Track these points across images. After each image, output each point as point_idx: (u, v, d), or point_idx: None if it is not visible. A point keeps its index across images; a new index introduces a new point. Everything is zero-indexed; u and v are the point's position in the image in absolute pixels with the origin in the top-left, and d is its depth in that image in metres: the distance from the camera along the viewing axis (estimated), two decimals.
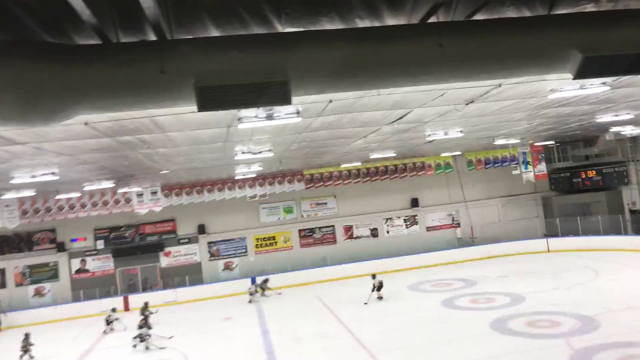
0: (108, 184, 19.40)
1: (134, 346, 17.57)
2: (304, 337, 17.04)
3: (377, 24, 4.93)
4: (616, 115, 17.13)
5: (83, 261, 27.37)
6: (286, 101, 4.33)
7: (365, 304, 20.45)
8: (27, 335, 17.53)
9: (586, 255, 25.73)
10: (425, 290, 22.13)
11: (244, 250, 28.98)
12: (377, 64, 4.56)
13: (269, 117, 8.82)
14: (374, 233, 30.45)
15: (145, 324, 17.80)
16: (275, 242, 29.33)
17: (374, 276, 21.40)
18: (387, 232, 30.63)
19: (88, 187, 19.45)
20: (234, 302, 24.32)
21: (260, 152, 14.95)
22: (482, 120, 14.65)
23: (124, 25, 4.43)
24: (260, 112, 8.58)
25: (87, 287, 26.57)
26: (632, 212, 28.70)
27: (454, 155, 29.18)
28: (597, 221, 28.13)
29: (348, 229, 30.26)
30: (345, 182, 28.99)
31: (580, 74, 4.91)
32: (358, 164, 27.23)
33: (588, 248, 26.63)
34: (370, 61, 4.54)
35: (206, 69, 4.11)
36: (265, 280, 25.19)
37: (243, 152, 14.82)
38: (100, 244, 27.43)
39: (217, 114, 8.85)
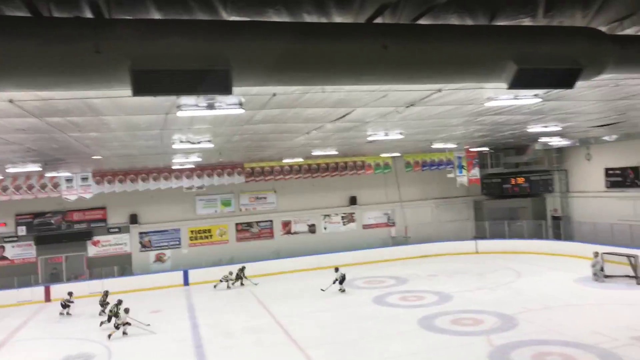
0: (34, 167, 18.27)
1: (109, 336, 16.64)
2: (235, 331, 16.88)
3: (324, 20, 4.90)
4: (545, 127, 18.11)
5: (1, 248, 25.68)
6: (227, 91, 4.22)
7: (322, 290, 21.27)
8: None
9: (510, 257, 27.15)
10: (358, 286, 22.52)
11: (177, 242, 28.27)
12: (320, 61, 4.54)
13: (210, 107, 8.60)
14: (312, 229, 30.63)
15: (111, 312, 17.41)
16: (211, 235, 28.83)
17: (336, 269, 21.88)
18: (325, 228, 30.92)
19: (11, 170, 18.24)
20: (164, 295, 23.70)
21: (199, 142, 14.59)
22: (421, 124, 15.03)
23: None
24: (201, 100, 8.35)
25: (4, 276, 24.96)
26: (553, 218, 30.59)
27: (393, 156, 29.84)
28: (522, 226, 29.77)
29: (286, 224, 30.27)
30: (286, 177, 28.95)
31: (514, 85, 5.11)
32: (300, 159, 27.27)
33: (513, 251, 28.12)
34: (314, 57, 4.51)
35: (144, 52, 3.92)
36: (242, 269, 24.71)
37: (181, 141, 14.40)
38: (22, 230, 25.83)
39: (155, 100, 8.53)
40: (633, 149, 25.45)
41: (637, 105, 13.94)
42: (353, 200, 31.23)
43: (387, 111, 11.95)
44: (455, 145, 25.13)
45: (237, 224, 29.31)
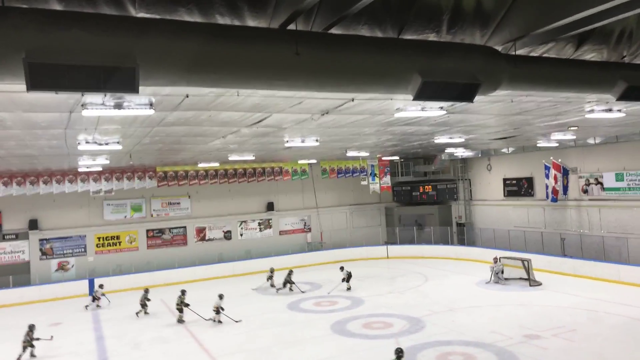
0: None
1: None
2: (143, 342, 16.15)
3: (237, 23, 4.89)
4: (451, 138, 19.22)
5: None
6: (133, 89, 4.09)
7: (329, 293, 21.49)
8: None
9: (419, 262, 28.39)
10: (273, 293, 22.46)
11: (82, 250, 26.60)
12: (232, 63, 4.54)
13: (118, 106, 8.23)
14: (227, 235, 30.13)
15: None
16: (120, 242, 27.43)
17: (342, 268, 22.41)
18: (241, 234, 30.55)
19: None
20: (66, 306, 22.16)
21: (107, 144, 13.87)
22: (336, 132, 15.37)
23: None
24: (108, 99, 7.97)
25: None
26: (458, 224, 32.46)
27: (310, 163, 30.19)
28: (430, 232, 31.28)
29: (201, 230, 29.52)
30: (202, 182, 28.28)
31: (419, 96, 5.41)
32: (216, 164, 26.77)
33: (421, 256, 29.43)
34: (226, 59, 4.50)
35: (41, 44, 3.69)
36: (290, 273, 23.02)
37: (87, 142, 13.61)
38: None
39: (56, 97, 8.01)
40: (527, 160, 27.70)
41: (530, 121, 15.22)
42: (270, 206, 31.16)
43: (303, 118, 12.10)
44: (368, 154, 25.94)
45: (148, 230, 28.12)
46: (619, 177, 23.60)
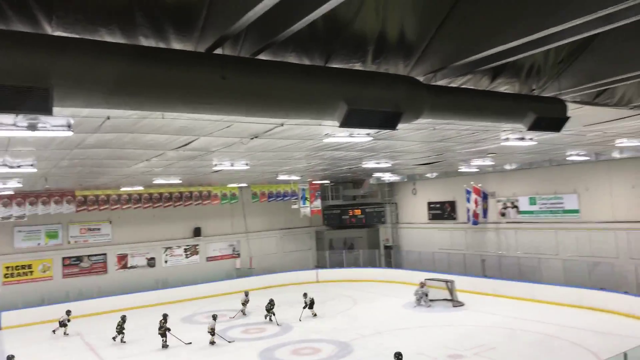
0: None
1: None
2: None
3: (162, 45, 4.78)
4: (378, 163, 19.76)
5: None
6: (46, 111, 3.85)
7: (300, 320, 20.71)
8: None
9: (348, 285, 28.61)
10: (199, 322, 21.70)
11: None
12: (157, 86, 4.41)
13: (32, 127, 7.69)
14: (151, 263, 28.88)
15: None
16: (32, 272, 25.48)
17: (305, 294, 21.55)
18: (166, 261, 29.39)
19: None
20: None
21: (19, 167, 12.95)
22: (266, 156, 15.33)
23: None
24: (21, 119, 7.45)
25: None
26: (385, 247, 33.20)
27: (240, 187, 29.82)
28: (359, 254, 31.73)
29: (122, 257, 28.10)
30: (124, 206, 27.05)
31: (344, 123, 5.51)
32: (140, 188, 25.77)
33: (350, 279, 29.70)
34: (150, 82, 4.37)
35: None
36: (271, 302, 21.57)
37: None
38: None
39: None
40: (450, 185, 28.99)
41: (452, 148, 15.99)
42: (197, 232, 30.29)
43: (232, 141, 11.97)
44: (299, 178, 26.06)
45: (64, 258, 26.35)
46: (532, 201, 25.25)
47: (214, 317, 18.46)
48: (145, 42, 4.73)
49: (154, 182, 21.95)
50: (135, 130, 9.58)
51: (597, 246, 22.52)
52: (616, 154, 20.94)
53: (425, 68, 6.25)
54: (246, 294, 22.91)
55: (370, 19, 5.41)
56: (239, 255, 31.68)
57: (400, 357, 12.34)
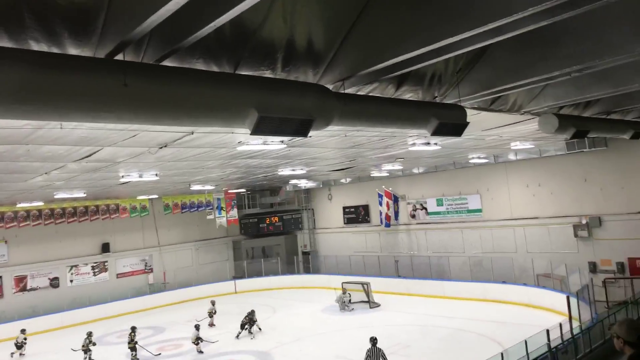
0: None
1: None
2: None
3: (56, 50, 4.47)
4: (293, 170, 19.86)
5: None
6: None
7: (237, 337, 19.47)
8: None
9: (267, 294, 28.41)
10: (110, 342, 20.49)
11: None
12: (51, 94, 4.10)
13: None
14: (54, 283, 26.85)
15: None
16: None
17: (252, 312, 20.42)
18: (71, 281, 27.45)
19: None
20: None
21: None
22: (177, 165, 14.85)
23: None
24: None
25: None
26: (303, 253, 33.39)
27: (151, 199, 28.61)
28: (277, 262, 31.64)
29: (21, 279, 25.85)
30: (22, 224, 24.95)
31: (256, 131, 5.47)
32: (39, 203, 23.87)
33: (269, 287, 29.53)
34: (44, 90, 4.05)
35: None
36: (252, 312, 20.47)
37: None
38: None
39: None
40: (363, 189, 29.81)
41: (363, 153, 16.46)
42: (106, 248, 28.59)
43: (139, 151, 11.47)
44: (213, 187, 25.51)
45: None
46: (439, 202, 26.60)
47: (197, 327, 18.19)
48: (36, 46, 4.41)
49: (56, 196, 20.44)
50: (30, 141, 8.87)
51: (498, 242, 24.19)
52: (512, 156, 22.70)
53: (334, 76, 6.39)
54: (212, 304, 22.15)
55: (278, 26, 5.43)
56: (151, 270, 30.33)
57: (375, 341, 13.33)
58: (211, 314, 22.15)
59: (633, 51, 6.01)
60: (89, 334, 18.17)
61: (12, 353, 19.75)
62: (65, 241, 27.14)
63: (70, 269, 27.43)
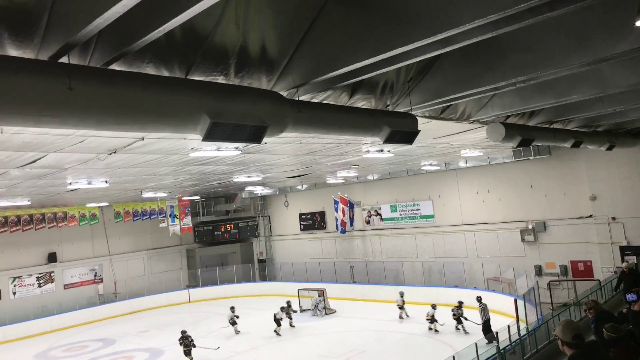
0: None
1: None
2: None
3: None
4: (249, 177, 19.71)
5: None
6: None
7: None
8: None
9: (222, 302, 27.92)
10: (55, 357, 19.64)
11: None
12: None
13: None
14: None
15: None
16: None
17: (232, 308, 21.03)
18: (14, 293, 26.10)
19: None
20: None
21: None
22: (128, 172, 14.45)
23: None
24: None
25: None
26: (259, 261, 33.11)
27: (101, 206, 27.67)
28: (232, 270, 31.21)
29: None
30: None
31: (208, 137, 5.40)
32: None
33: (224, 296, 29.08)
34: None
35: None
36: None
37: None
38: None
39: None
40: (319, 196, 29.92)
41: (319, 160, 16.54)
42: (52, 257, 27.39)
43: (87, 157, 11.09)
44: (166, 194, 24.96)
45: None
46: (393, 209, 27.03)
47: (232, 309, 20.30)
48: None
49: None
50: None
51: (450, 247, 24.78)
52: (462, 164, 23.38)
53: (288, 83, 6.41)
54: (232, 310, 20.94)
55: (230, 32, 5.40)
56: (102, 280, 29.28)
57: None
58: (234, 322, 20.89)
59: (572, 64, 6.33)
60: None
61: None
62: (8, 251, 25.86)
63: (13, 281, 26.11)
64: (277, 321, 19.84)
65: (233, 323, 20.63)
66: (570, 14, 5.33)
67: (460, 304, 17.96)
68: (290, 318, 20.88)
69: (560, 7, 4.44)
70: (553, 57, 6.45)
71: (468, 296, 20.98)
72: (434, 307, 18.32)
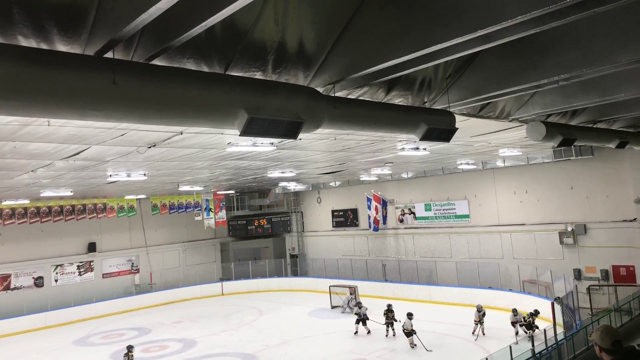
0: None
1: None
2: None
3: (44, 46, 4.44)
4: (282, 172, 19.84)
5: None
6: None
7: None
8: None
9: (254, 296, 28.31)
10: (93, 343, 20.28)
11: None
12: (39, 91, 4.07)
13: None
14: (39, 282, 26.51)
15: None
16: None
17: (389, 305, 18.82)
18: (56, 280, 27.12)
19: None
20: None
21: None
22: (166, 165, 14.76)
23: None
24: None
25: None
26: (292, 256, 33.32)
27: (139, 199, 28.40)
28: (265, 265, 31.53)
29: (5, 278, 25.51)
30: (7, 222, 24.62)
31: (245, 132, 5.46)
32: (25, 201, 23.60)
33: (256, 290, 29.42)
34: (32, 86, 4.02)
35: None
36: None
37: None
38: None
39: None
40: (352, 193, 29.85)
41: (353, 157, 16.49)
42: (92, 247, 28.32)
43: (127, 150, 11.38)
44: (202, 188, 25.39)
45: None
46: (427, 207, 26.71)
47: (391, 307, 18.17)
48: (24, 42, 4.38)
49: (42, 194, 20.22)
50: (17, 138, 8.77)
51: (485, 248, 24.33)
52: (500, 163, 22.87)
53: (324, 79, 6.40)
54: (359, 306, 19.34)
55: (269, 28, 5.44)
56: (138, 270, 30.08)
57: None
58: (356, 306, 19.59)
59: (619, 61, 6.10)
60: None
61: None
62: (51, 240, 26.85)
63: (55, 269, 27.12)
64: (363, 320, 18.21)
65: (361, 320, 18.61)
66: (619, 10, 5.14)
67: (536, 312, 16.53)
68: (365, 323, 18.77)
69: (608, 3, 4.28)
70: (599, 54, 6.23)
71: (502, 298, 20.60)
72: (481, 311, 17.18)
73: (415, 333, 16.30)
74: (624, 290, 18.70)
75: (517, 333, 16.27)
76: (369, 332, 18.39)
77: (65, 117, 4.50)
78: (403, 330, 16.46)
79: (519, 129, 11.88)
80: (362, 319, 18.60)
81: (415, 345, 16.21)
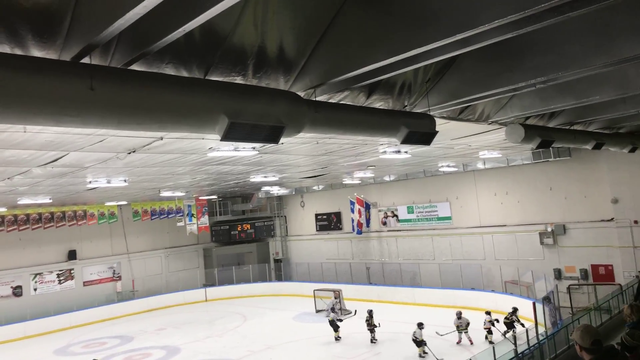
0: None
1: None
2: None
3: (19, 52, 4.36)
4: (265, 177, 19.79)
5: None
6: None
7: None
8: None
9: (238, 302, 28.14)
10: (74, 353, 19.94)
11: None
12: (14, 97, 4.00)
13: None
14: (17, 292, 25.97)
15: None
16: None
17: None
18: (35, 289, 26.60)
19: None
20: None
21: None
22: (146, 171, 14.61)
23: None
24: None
25: None
26: (275, 260, 33.22)
27: (120, 205, 28.03)
28: (248, 270, 31.37)
29: None
30: None
31: (226, 137, 5.43)
32: (2, 209, 23.13)
33: (240, 295, 29.26)
34: (7, 92, 3.95)
35: None
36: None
37: None
38: None
39: None
40: (335, 197, 29.90)
41: (335, 161, 16.53)
42: (72, 255, 27.83)
43: (107, 157, 11.24)
44: (184, 194, 25.18)
45: None
46: (410, 210, 26.88)
47: (420, 326, 16.26)
48: None
49: (19, 202, 19.84)
50: None
51: (467, 249, 24.56)
52: (480, 165, 23.15)
53: (305, 84, 6.41)
54: (370, 313, 18.74)
55: (249, 33, 5.42)
56: (120, 277, 29.66)
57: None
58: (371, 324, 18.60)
59: (593, 64, 6.22)
60: None
61: None
62: (30, 248, 26.34)
63: (34, 277, 26.60)
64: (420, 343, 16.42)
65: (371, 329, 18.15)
66: (593, 14, 5.24)
67: (515, 310, 16.70)
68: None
69: (582, 7, 4.36)
70: (574, 58, 6.35)
71: (485, 299, 20.80)
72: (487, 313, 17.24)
73: (425, 344, 15.99)
74: (603, 289, 19.02)
75: (505, 332, 16.36)
76: (338, 338, 18.30)
77: (42, 123, 4.43)
78: (413, 340, 16.07)
79: (498, 132, 12.03)
80: (334, 323, 18.41)
81: (427, 354, 15.79)
